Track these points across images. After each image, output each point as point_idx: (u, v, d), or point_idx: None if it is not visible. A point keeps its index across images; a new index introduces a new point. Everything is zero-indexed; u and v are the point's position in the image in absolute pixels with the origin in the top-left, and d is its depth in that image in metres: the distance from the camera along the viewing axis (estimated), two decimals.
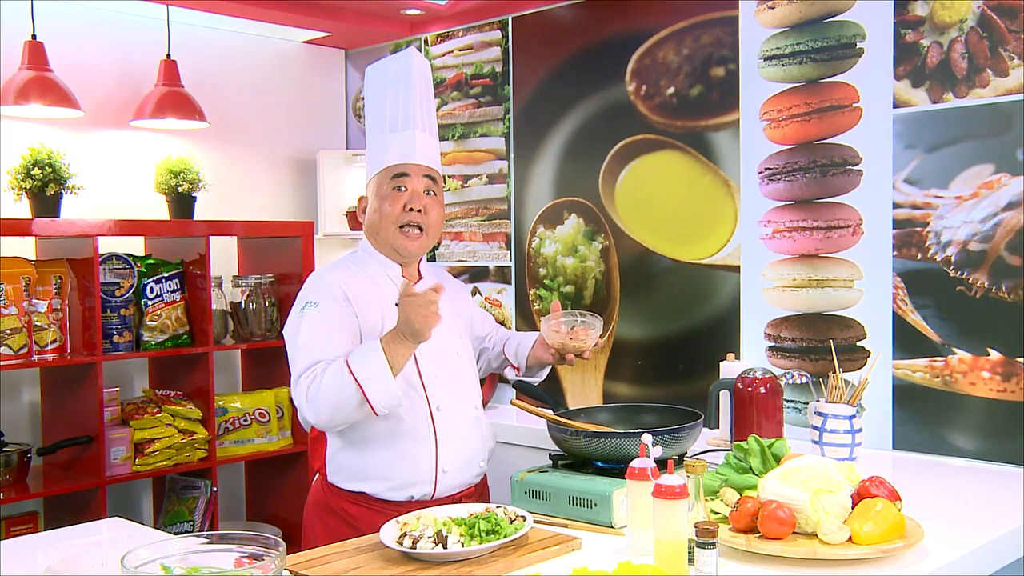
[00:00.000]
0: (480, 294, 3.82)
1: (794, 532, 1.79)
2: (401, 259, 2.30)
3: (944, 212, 2.65)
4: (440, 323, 2.07)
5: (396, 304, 2.21)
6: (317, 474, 2.35)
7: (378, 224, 2.26)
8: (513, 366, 2.54)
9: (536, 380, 2.60)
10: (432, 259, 3.98)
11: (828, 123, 2.86)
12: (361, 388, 2.02)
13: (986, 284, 2.59)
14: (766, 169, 3.00)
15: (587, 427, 2.25)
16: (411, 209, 2.23)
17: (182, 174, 3.50)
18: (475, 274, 3.85)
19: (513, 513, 1.91)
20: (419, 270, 2.37)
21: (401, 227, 2.24)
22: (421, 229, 2.25)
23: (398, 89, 2.29)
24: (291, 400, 3.64)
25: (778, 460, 2.01)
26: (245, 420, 3.58)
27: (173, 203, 3.55)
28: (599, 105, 3.45)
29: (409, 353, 2.09)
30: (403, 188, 2.24)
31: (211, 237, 3.45)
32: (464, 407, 2.30)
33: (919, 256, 2.70)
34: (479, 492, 2.36)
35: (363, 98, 2.41)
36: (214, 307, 3.49)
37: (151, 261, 3.42)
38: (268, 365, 3.76)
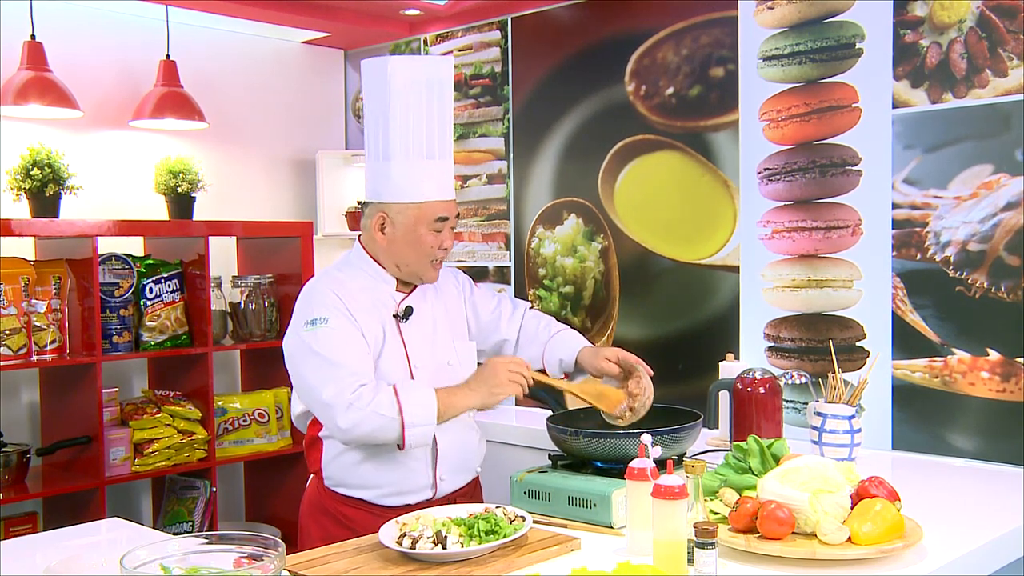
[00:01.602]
0: None
1: (793, 532, 1.79)
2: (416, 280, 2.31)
3: (943, 212, 2.65)
4: (509, 391, 2.19)
5: (394, 315, 2.24)
6: (312, 475, 2.35)
7: (408, 253, 2.24)
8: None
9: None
10: None
11: (827, 123, 2.86)
12: (403, 428, 2.08)
13: (985, 284, 2.59)
14: (765, 169, 3.00)
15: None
16: (444, 248, 2.26)
17: (181, 174, 3.50)
18: (474, 274, 3.85)
19: (512, 513, 1.91)
20: None
21: (431, 261, 2.26)
22: (442, 261, 2.30)
23: (432, 106, 2.23)
24: (290, 401, 3.66)
25: (777, 460, 2.01)
26: (244, 420, 3.58)
27: (172, 203, 3.55)
28: (598, 105, 3.45)
29: (464, 409, 2.18)
30: (441, 230, 2.24)
31: (210, 237, 3.44)
32: (460, 416, 2.27)
33: (918, 256, 2.71)
34: (471, 490, 2.38)
35: (362, 98, 2.35)
36: (213, 307, 3.49)
37: (150, 261, 3.42)
38: (267, 365, 3.76)
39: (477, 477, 2.42)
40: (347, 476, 2.23)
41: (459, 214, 2.33)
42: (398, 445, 2.13)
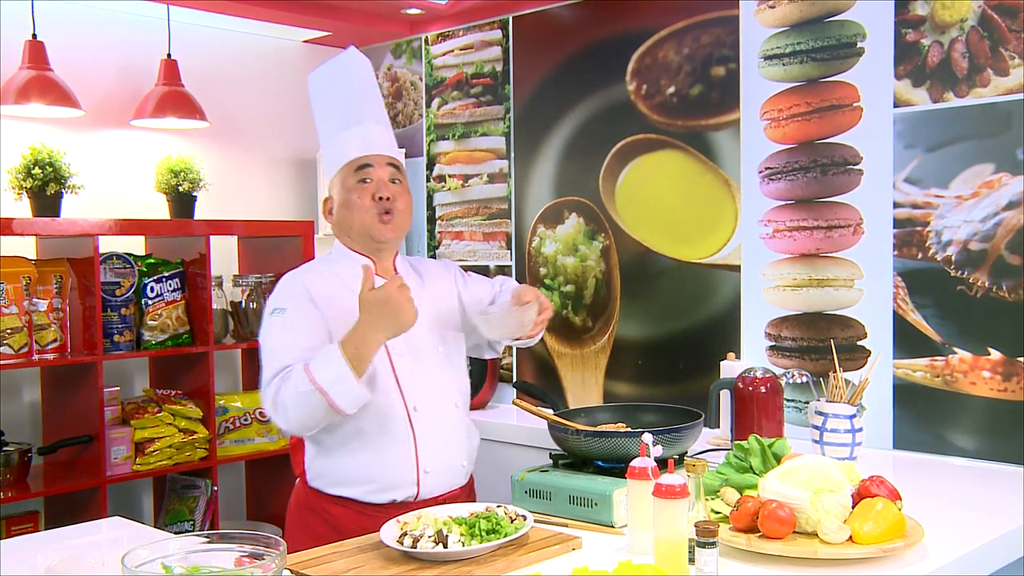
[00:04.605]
0: None
1: (794, 532, 1.79)
2: (377, 249, 2.24)
3: (944, 211, 2.65)
4: (415, 318, 2.03)
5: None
6: (298, 477, 2.31)
7: (349, 218, 2.23)
8: None
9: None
10: (432, 258, 3.97)
11: (828, 122, 2.86)
12: (325, 394, 1.99)
13: (986, 284, 2.59)
14: (766, 168, 3.00)
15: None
16: (380, 198, 2.19)
17: (182, 173, 3.50)
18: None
19: (513, 512, 1.91)
20: (394, 265, 2.31)
21: (371, 214, 2.20)
22: (390, 213, 2.21)
23: (344, 89, 2.27)
24: None
25: (778, 459, 2.01)
26: (245, 419, 3.58)
27: (173, 202, 3.55)
28: (599, 105, 3.45)
29: (376, 348, 2.02)
30: (368, 180, 2.21)
31: (211, 236, 3.45)
32: (444, 405, 2.24)
33: (919, 256, 2.70)
34: (466, 494, 2.30)
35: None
36: (214, 306, 3.49)
37: (151, 260, 3.42)
38: None
39: (471, 481, 2.35)
40: (330, 472, 2.18)
41: (398, 165, 2.23)
42: (342, 414, 2.04)
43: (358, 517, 2.13)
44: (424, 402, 2.19)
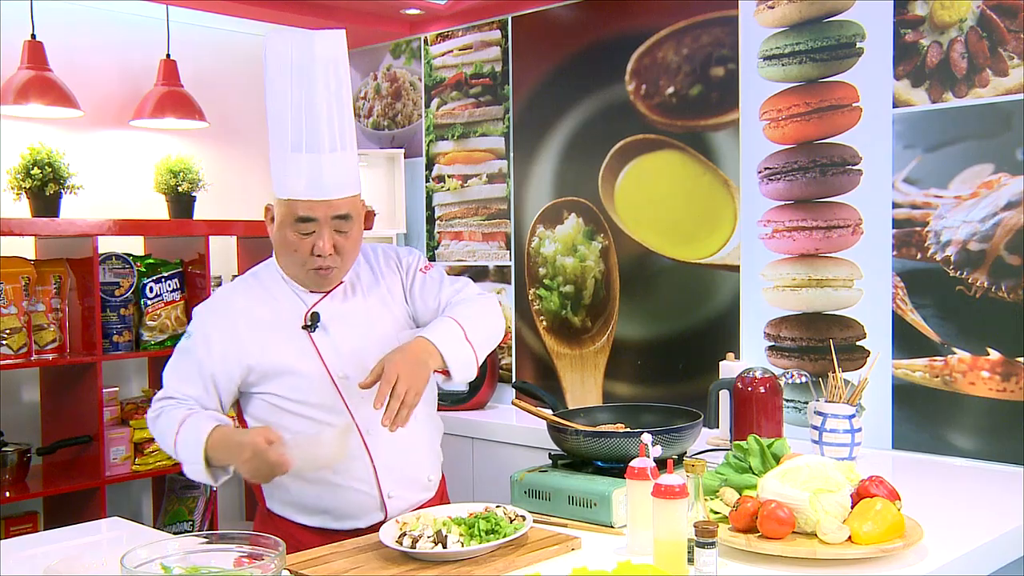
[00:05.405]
0: None
1: (794, 532, 1.79)
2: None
3: (944, 212, 2.65)
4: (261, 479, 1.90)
5: (304, 327, 2.03)
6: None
7: (282, 256, 2.05)
8: None
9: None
10: (432, 259, 3.97)
11: (828, 123, 2.86)
12: (181, 464, 1.98)
13: (986, 284, 2.59)
14: (766, 169, 3.00)
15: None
16: (318, 255, 1.98)
17: (182, 174, 3.50)
18: (474, 274, 3.85)
19: (513, 513, 1.91)
20: None
21: (306, 268, 2.01)
22: (330, 268, 2.02)
23: (301, 93, 1.95)
24: None
25: (778, 460, 2.01)
26: None
27: (173, 203, 3.55)
28: (599, 105, 3.45)
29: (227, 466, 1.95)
30: (309, 233, 1.97)
31: (211, 237, 3.45)
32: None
33: (919, 256, 2.71)
34: (436, 503, 2.18)
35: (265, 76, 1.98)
36: None
37: (151, 261, 3.42)
38: None
39: (443, 485, 2.25)
40: (289, 503, 2.09)
41: (346, 215, 1.98)
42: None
43: (326, 542, 2.00)
44: (378, 423, 1.92)
